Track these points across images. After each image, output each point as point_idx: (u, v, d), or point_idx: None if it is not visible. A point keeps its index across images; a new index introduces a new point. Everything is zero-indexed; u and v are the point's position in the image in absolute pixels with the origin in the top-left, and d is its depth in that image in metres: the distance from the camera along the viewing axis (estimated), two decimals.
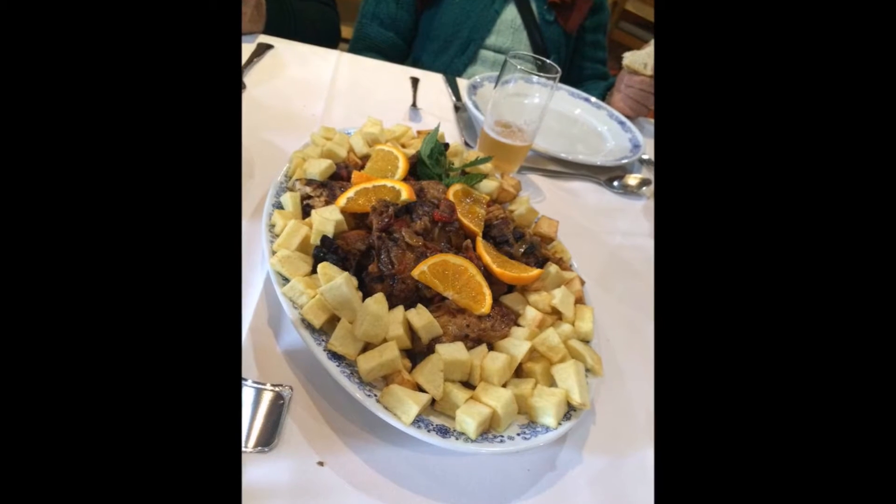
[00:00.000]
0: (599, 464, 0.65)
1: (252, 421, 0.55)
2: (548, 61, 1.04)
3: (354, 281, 0.63)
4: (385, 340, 0.60)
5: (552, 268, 0.74)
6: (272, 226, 0.72)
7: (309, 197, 0.77)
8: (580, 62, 1.82)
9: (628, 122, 1.46)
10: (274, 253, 0.66)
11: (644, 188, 1.26)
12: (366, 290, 0.65)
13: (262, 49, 1.29)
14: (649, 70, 1.47)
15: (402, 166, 0.83)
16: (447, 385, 0.59)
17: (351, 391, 0.56)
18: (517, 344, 0.65)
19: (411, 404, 0.55)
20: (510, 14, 1.63)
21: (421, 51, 1.70)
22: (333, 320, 0.61)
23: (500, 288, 0.71)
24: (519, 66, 1.01)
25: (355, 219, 0.74)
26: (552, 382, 0.64)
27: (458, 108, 1.35)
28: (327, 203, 0.75)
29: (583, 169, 1.26)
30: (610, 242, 1.08)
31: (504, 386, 0.61)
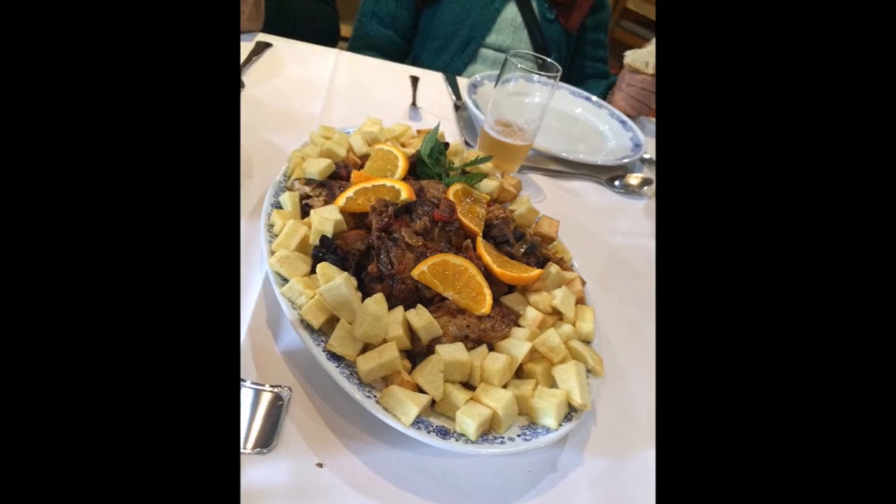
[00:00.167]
0: (600, 465, 0.64)
1: (251, 422, 0.55)
2: (548, 60, 1.04)
3: (354, 281, 0.63)
4: (385, 341, 0.60)
5: (553, 268, 0.74)
6: (271, 226, 0.71)
7: (308, 196, 0.76)
8: (581, 61, 1.81)
9: (629, 121, 1.45)
10: (273, 253, 0.66)
11: (645, 188, 1.26)
12: (365, 291, 0.64)
13: (261, 48, 1.28)
14: (651, 69, 1.46)
15: (401, 166, 0.83)
16: (447, 386, 0.58)
17: (350, 392, 0.55)
18: (518, 345, 0.64)
19: (411, 405, 0.54)
20: (511, 12, 1.63)
21: (421, 49, 1.69)
22: (333, 321, 0.60)
23: (500, 288, 0.71)
24: (519, 65, 1.00)
25: (355, 218, 0.74)
26: (553, 383, 0.64)
27: (458, 107, 1.34)
28: (326, 203, 0.75)
29: (584, 168, 1.25)
30: (611, 242, 1.07)
31: (504, 387, 0.61)
